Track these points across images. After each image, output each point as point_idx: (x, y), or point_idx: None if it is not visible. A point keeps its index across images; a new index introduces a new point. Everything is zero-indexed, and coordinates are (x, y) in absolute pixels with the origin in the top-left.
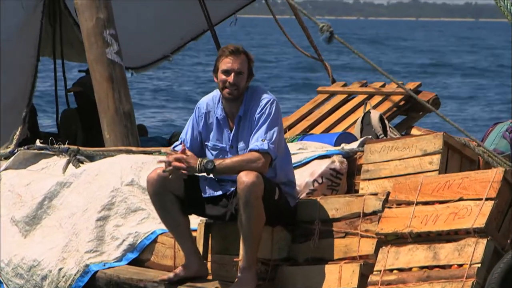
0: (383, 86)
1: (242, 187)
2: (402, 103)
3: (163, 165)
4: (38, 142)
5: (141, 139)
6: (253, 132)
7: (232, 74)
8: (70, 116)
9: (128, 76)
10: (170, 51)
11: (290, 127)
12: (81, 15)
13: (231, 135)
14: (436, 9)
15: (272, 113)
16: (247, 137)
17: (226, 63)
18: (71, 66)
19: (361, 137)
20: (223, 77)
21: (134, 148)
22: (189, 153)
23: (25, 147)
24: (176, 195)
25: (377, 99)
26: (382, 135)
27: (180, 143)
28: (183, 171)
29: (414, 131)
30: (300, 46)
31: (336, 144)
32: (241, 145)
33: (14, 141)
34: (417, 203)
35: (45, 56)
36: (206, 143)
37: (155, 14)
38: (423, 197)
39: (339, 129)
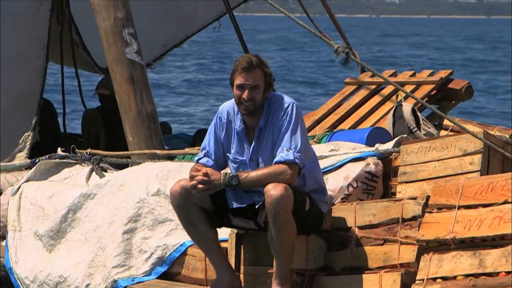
0: (413, 75)
1: (270, 200)
2: (433, 92)
3: (186, 175)
4: (59, 151)
5: (165, 137)
6: (278, 142)
7: (246, 91)
8: (92, 117)
9: None
10: (152, 59)
11: (318, 121)
12: (98, 15)
13: (251, 148)
14: (448, 7)
15: (294, 118)
16: (268, 149)
17: (240, 79)
18: None
19: (393, 131)
20: (238, 92)
21: (158, 152)
22: (210, 171)
23: (46, 156)
24: (201, 207)
25: (407, 89)
26: (415, 129)
27: (204, 155)
28: (210, 190)
29: (447, 121)
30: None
31: (368, 140)
32: (262, 158)
33: (27, 146)
34: (459, 207)
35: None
36: (227, 154)
37: (135, 22)
38: (465, 200)
39: (369, 122)
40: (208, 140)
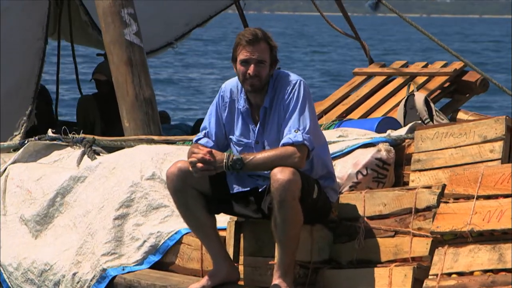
0: (426, 66)
1: (276, 185)
2: (447, 84)
3: (184, 158)
4: (50, 132)
5: (163, 126)
6: (284, 122)
7: (252, 65)
8: (87, 103)
9: None
10: (175, 38)
11: (325, 112)
12: None
13: (256, 129)
14: (499, 6)
15: (301, 96)
16: (274, 131)
17: (245, 53)
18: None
19: (404, 122)
20: (242, 68)
21: (156, 137)
22: (213, 151)
23: (36, 137)
24: (200, 191)
25: (419, 80)
26: (428, 120)
27: (204, 135)
28: (210, 171)
29: (460, 115)
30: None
31: (378, 130)
32: (268, 140)
33: (22, 129)
34: (478, 197)
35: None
36: (230, 136)
37: (158, 0)
38: (485, 190)
39: (379, 113)
40: (209, 120)
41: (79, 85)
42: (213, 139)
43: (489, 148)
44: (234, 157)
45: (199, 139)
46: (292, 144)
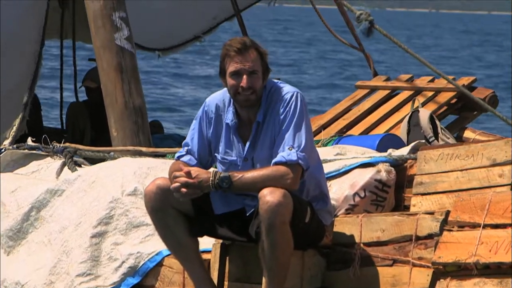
0: (432, 81)
1: (265, 208)
2: (454, 101)
3: (164, 175)
4: (29, 141)
5: (155, 136)
6: (278, 139)
7: (244, 77)
8: (77, 110)
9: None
10: (202, 32)
11: (325, 127)
12: None
13: (246, 146)
14: (509, 3)
15: (298, 111)
16: (266, 147)
17: (234, 64)
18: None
19: (408, 140)
20: (233, 81)
21: (144, 149)
22: (195, 170)
23: (14, 146)
24: (180, 211)
25: (424, 96)
26: (433, 138)
27: (186, 152)
28: (196, 194)
29: (467, 133)
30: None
31: (379, 148)
32: (259, 157)
33: (10, 138)
34: (485, 226)
35: (53, 38)
36: (215, 154)
37: None
38: (492, 218)
39: (381, 130)
40: (192, 137)
41: (76, 89)
42: (196, 156)
43: (498, 173)
44: (221, 175)
45: (181, 156)
46: (285, 163)
